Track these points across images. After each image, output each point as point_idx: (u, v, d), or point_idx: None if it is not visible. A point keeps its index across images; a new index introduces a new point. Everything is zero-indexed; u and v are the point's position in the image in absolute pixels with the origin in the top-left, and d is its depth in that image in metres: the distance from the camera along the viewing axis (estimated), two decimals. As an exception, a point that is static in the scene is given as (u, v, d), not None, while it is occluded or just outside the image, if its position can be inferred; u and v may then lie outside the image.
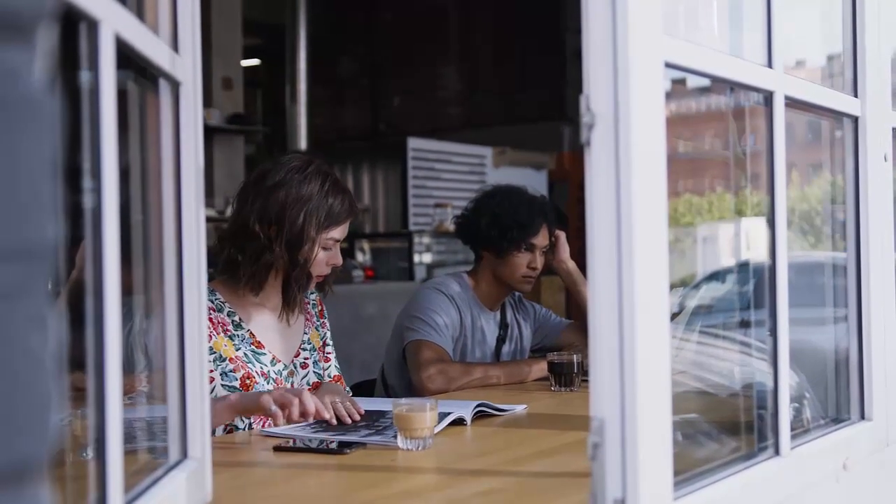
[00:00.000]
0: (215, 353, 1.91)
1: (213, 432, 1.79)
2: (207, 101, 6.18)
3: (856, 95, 1.56)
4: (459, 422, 1.81)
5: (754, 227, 1.49)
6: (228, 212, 6.14)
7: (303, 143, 7.28)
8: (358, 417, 1.80)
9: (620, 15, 0.96)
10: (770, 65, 1.29)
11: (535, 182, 5.93)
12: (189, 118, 1.14)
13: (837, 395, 1.61)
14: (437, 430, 1.66)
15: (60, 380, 0.54)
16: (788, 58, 1.34)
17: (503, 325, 2.68)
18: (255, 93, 8.92)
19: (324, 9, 8.11)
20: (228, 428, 1.89)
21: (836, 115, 1.57)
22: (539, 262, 2.57)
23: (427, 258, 6.25)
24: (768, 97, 1.29)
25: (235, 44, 6.85)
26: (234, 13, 6.80)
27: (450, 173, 7.00)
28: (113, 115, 0.83)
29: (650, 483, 0.97)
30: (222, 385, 1.90)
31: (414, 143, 6.89)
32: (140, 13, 0.99)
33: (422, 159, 6.90)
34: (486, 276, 2.61)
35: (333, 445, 1.62)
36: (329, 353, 2.16)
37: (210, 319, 1.91)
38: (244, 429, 1.91)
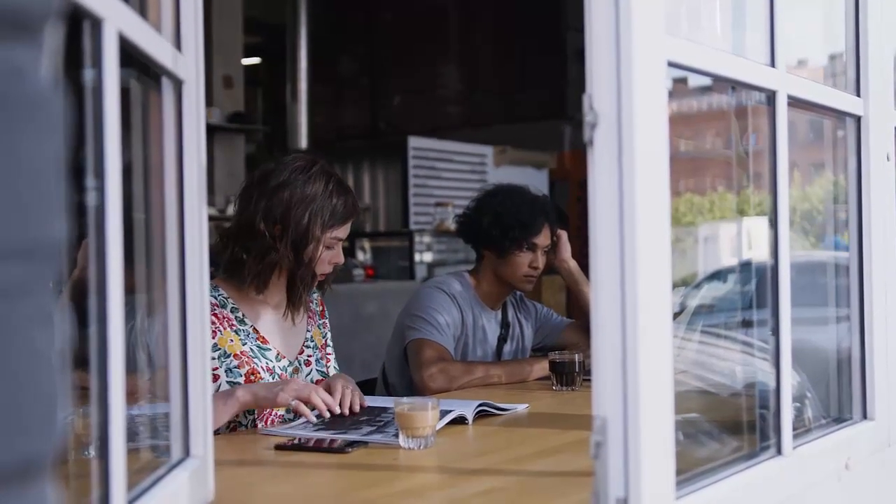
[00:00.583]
0: (220, 349, 1.92)
1: (217, 431, 1.80)
2: (208, 100, 6.17)
3: (858, 95, 1.56)
4: (461, 421, 1.82)
5: (756, 227, 1.49)
6: (229, 210, 6.14)
7: (303, 143, 7.28)
8: (357, 409, 1.87)
9: (623, 14, 0.96)
10: (773, 64, 1.29)
11: (535, 181, 5.93)
12: (192, 116, 1.14)
13: (839, 394, 1.61)
14: (437, 427, 1.66)
15: (65, 378, 0.54)
16: (791, 57, 1.34)
17: (505, 325, 2.68)
18: (255, 91, 8.92)
19: (324, 8, 8.11)
20: (232, 426, 1.90)
21: (839, 115, 1.57)
22: (540, 261, 2.57)
23: (428, 257, 6.25)
24: (771, 96, 1.29)
25: (236, 42, 6.85)
26: (234, 12, 6.80)
27: (450, 172, 7.00)
28: (116, 113, 0.83)
29: (652, 482, 0.97)
30: (227, 382, 1.91)
31: (414, 142, 6.88)
32: (143, 11, 0.99)
33: (422, 158, 6.90)
34: (488, 275, 2.61)
35: (335, 444, 1.62)
36: (329, 353, 2.17)
37: (215, 315, 1.93)
38: (247, 426, 1.92)
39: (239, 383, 1.91)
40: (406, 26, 8.65)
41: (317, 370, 2.10)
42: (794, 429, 1.31)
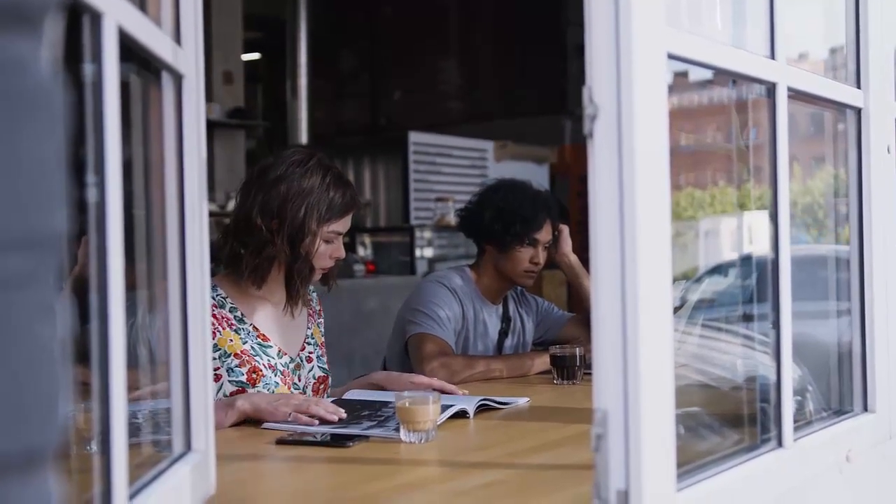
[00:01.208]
0: (220, 349, 1.92)
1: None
2: (208, 96, 6.16)
3: (859, 87, 1.56)
4: (462, 415, 1.82)
5: (757, 221, 1.49)
6: (230, 206, 6.14)
7: (303, 138, 7.28)
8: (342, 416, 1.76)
9: (623, 6, 0.96)
10: (773, 56, 1.28)
11: (536, 176, 5.93)
12: (191, 111, 1.14)
13: (840, 387, 1.61)
14: (438, 421, 1.66)
15: (67, 369, 0.55)
16: (791, 50, 1.34)
17: (506, 319, 2.68)
18: (255, 87, 8.92)
19: (324, 3, 8.10)
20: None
21: (839, 107, 1.56)
22: (541, 256, 2.57)
23: (428, 252, 6.25)
24: (771, 88, 1.29)
25: (236, 38, 6.85)
26: (234, 7, 6.80)
27: (451, 167, 7.00)
28: (116, 108, 0.83)
29: (653, 474, 0.97)
30: (229, 381, 1.91)
31: (415, 137, 6.88)
32: (143, 6, 0.99)
33: (423, 153, 6.90)
34: (489, 269, 2.61)
35: (337, 438, 1.62)
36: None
37: (214, 315, 1.92)
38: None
39: (241, 382, 1.92)
40: (406, 21, 8.64)
41: (318, 367, 2.10)
42: (795, 421, 1.31)
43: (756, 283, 1.52)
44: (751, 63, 1.27)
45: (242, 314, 1.99)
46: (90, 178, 0.81)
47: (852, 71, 1.56)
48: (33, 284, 0.51)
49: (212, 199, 6.23)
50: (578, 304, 2.84)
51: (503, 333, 2.66)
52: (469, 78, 8.60)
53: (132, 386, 0.94)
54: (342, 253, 2.03)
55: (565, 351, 2.31)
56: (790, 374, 1.29)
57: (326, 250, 1.99)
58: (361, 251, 6.30)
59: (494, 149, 7.15)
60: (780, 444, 1.29)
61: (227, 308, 1.97)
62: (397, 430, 1.62)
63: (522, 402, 2.01)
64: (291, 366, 2.03)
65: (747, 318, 1.61)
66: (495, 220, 2.54)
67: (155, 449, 1.19)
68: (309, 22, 7.29)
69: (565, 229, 2.67)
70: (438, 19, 8.60)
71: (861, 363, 1.57)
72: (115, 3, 0.84)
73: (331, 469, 1.51)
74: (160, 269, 1.14)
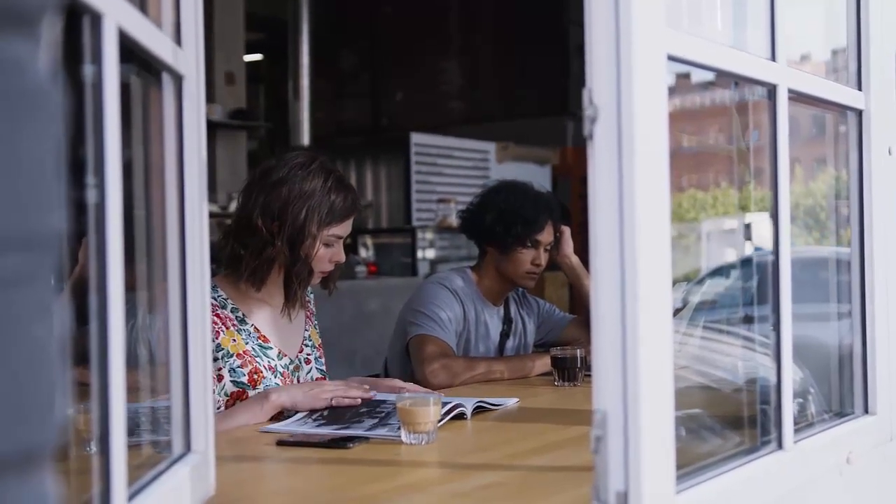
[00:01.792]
0: (223, 349, 1.92)
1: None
2: (210, 97, 6.19)
3: (860, 89, 1.55)
4: (459, 416, 1.82)
5: (758, 223, 1.49)
6: (231, 207, 6.14)
7: (305, 139, 7.28)
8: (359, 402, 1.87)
9: (623, 7, 0.96)
10: (773, 58, 1.28)
11: (538, 177, 5.93)
12: (192, 112, 1.14)
13: (841, 389, 1.61)
14: (439, 423, 1.66)
15: (66, 368, 0.54)
16: (792, 52, 1.34)
17: (507, 320, 2.68)
18: (257, 88, 8.92)
19: (326, 4, 8.10)
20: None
21: (840, 109, 1.56)
22: (543, 258, 2.57)
23: (430, 254, 6.25)
24: (772, 90, 1.29)
25: (238, 39, 6.86)
26: (236, 8, 6.80)
27: (453, 169, 7.00)
28: (116, 109, 0.83)
29: (653, 476, 0.97)
30: (231, 381, 1.92)
31: (417, 138, 6.89)
32: (143, 6, 0.99)
33: (425, 154, 6.90)
34: (490, 271, 2.61)
35: (337, 440, 1.62)
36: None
37: (217, 315, 1.93)
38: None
39: (242, 383, 1.92)
40: (407, 22, 8.65)
41: (316, 368, 2.11)
42: (796, 423, 1.31)
43: (757, 285, 1.52)
44: (751, 65, 1.27)
45: (244, 315, 1.99)
46: (90, 179, 0.81)
47: (853, 73, 1.56)
48: (31, 283, 0.51)
49: (213, 199, 6.23)
50: (580, 306, 2.84)
51: (504, 335, 2.66)
52: (470, 78, 8.61)
53: (132, 387, 0.94)
54: (342, 257, 2.03)
55: (566, 352, 2.31)
56: (790, 375, 1.29)
57: (326, 254, 1.99)
58: (363, 252, 6.30)
59: (496, 150, 7.15)
60: (780, 446, 1.28)
61: (229, 309, 1.98)
62: (399, 429, 1.62)
63: (511, 402, 2.01)
64: (291, 367, 2.03)
65: (748, 320, 1.61)
66: (497, 222, 2.54)
67: (154, 450, 1.18)
68: (311, 23, 7.30)
69: (567, 231, 2.67)
70: (439, 19, 8.60)
71: (862, 365, 1.56)
72: (116, 4, 0.84)
73: (330, 470, 1.51)
74: (160, 271, 1.14)
